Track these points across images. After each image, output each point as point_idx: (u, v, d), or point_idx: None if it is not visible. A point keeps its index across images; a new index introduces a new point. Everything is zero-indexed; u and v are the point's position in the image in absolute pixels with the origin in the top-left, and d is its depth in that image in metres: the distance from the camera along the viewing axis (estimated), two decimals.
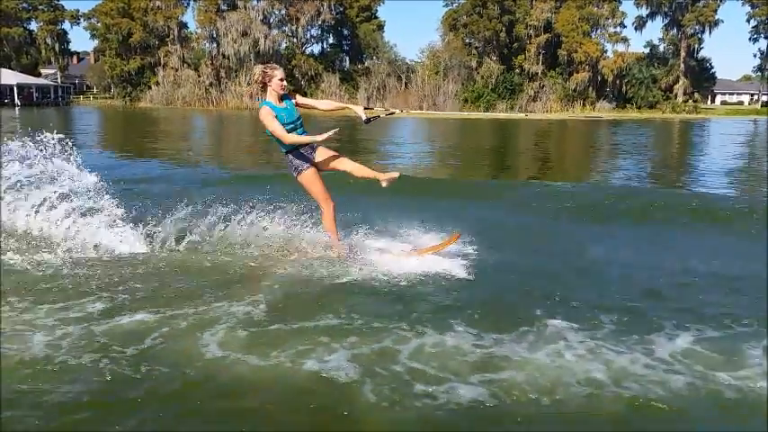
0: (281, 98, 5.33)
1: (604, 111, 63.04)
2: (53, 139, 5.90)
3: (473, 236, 5.86)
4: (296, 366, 3.26)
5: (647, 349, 3.70)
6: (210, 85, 66.23)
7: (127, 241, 5.63)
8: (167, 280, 4.72)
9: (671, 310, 4.41)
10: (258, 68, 5.38)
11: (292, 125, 5.34)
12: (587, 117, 57.86)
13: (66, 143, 5.97)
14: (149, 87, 70.38)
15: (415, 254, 5.54)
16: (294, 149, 5.42)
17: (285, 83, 5.34)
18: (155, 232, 5.78)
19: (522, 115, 59.88)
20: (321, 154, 5.53)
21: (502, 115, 60.38)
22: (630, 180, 13.61)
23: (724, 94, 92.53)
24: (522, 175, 15.10)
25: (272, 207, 5.91)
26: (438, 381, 3.21)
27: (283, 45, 68.65)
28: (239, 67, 63.94)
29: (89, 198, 5.80)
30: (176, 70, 67.88)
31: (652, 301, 4.64)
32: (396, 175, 5.62)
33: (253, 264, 5.28)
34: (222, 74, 67.15)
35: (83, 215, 5.70)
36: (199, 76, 66.64)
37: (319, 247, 5.59)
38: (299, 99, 5.53)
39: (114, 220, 5.73)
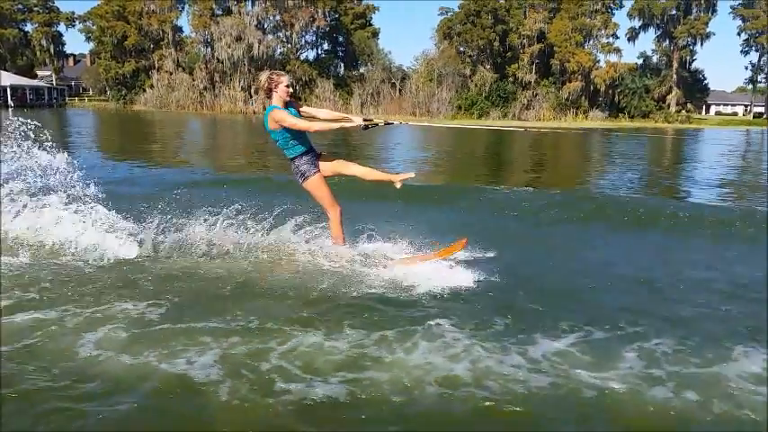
0: (286, 105, 5.31)
1: (597, 120, 63.35)
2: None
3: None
4: (162, 366, 3.38)
5: (522, 349, 3.77)
6: (205, 88, 66.48)
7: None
8: (81, 278, 4.83)
9: (569, 310, 4.49)
10: (264, 74, 5.36)
11: (299, 132, 5.31)
12: (568, 128, 58.17)
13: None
14: (144, 90, 70.60)
15: (419, 260, 5.44)
16: (299, 156, 5.37)
17: (291, 89, 5.31)
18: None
19: (514, 124, 60.16)
20: (326, 160, 5.52)
21: (497, 124, 60.51)
22: (606, 188, 13.66)
23: (719, 104, 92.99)
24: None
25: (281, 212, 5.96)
26: (300, 379, 3.33)
27: (278, 50, 68.91)
28: (233, 72, 64.18)
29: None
30: (171, 74, 68.11)
31: (551, 301, 4.72)
32: (411, 174, 5.62)
33: (202, 263, 5.37)
34: (216, 78, 67.36)
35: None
36: (193, 80, 66.85)
37: (324, 252, 5.51)
38: (302, 108, 5.49)
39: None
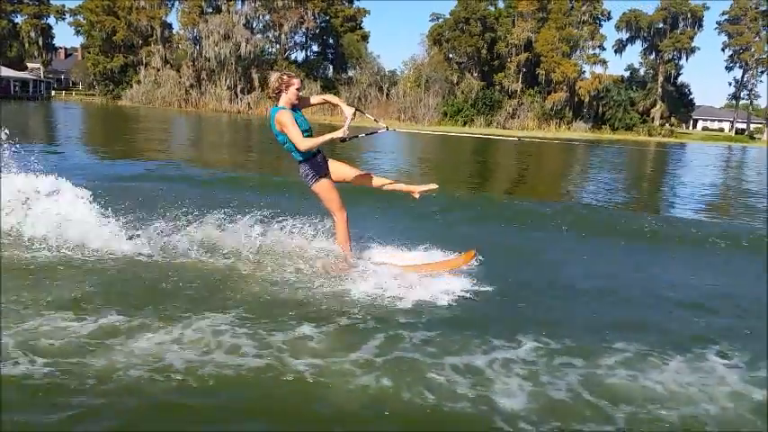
0: (293, 107, 5.27)
1: (579, 131, 64.24)
2: None
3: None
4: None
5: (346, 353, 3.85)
6: (191, 86, 67.01)
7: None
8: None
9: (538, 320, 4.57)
10: (275, 75, 5.29)
11: (308, 132, 5.30)
12: (553, 138, 58.97)
13: None
14: (131, 86, 71.13)
15: (423, 269, 5.36)
16: (308, 159, 5.31)
17: (301, 93, 5.27)
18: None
19: (507, 133, 60.89)
20: (336, 164, 5.49)
21: (480, 131, 61.21)
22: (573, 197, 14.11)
23: (706, 120, 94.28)
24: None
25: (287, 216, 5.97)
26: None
27: (266, 50, 69.55)
28: (220, 70, 64.78)
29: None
30: (158, 70, 68.64)
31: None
32: (433, 186, 5.46)
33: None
34: (204, 76, 67.94)
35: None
36: (180, 77, 67.40)
37: (330, 258, 5.50)
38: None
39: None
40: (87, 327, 3.97)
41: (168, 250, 5.65)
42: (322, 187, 5.35)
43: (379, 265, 5.34)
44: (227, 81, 64.86)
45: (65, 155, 15.64)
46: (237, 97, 64.97)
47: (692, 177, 22.63)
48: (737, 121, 76.27)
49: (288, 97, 5.21)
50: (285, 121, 5.11)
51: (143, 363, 3.53)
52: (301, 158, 5.30)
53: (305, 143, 5.13)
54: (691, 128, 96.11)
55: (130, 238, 5.78)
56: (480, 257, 5.53)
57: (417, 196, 5.52)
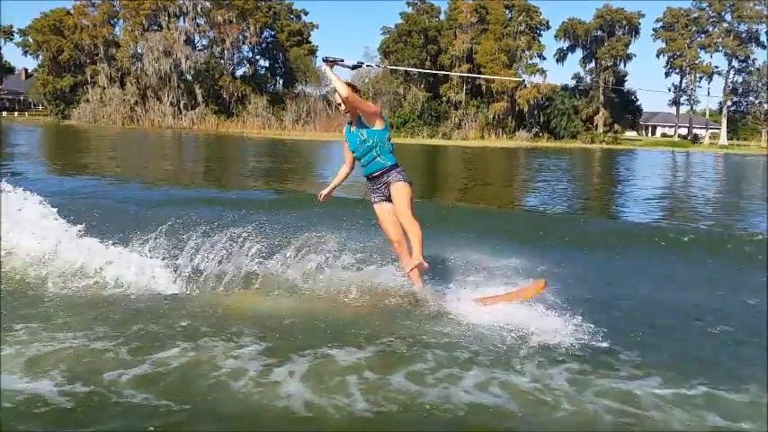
0: (357, 121, 5.62)
1: (520, 140, 68.76)
2: None
3: None
4: None
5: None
6: (136, 103, 71.36)
7: None
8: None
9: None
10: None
11: (356, 153, 5.70)
12: (480, 146, 63.53)
13: None
14: (80, 105, 75.45)
15: (485, 301, 5.59)
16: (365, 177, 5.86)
17: (345, 107, 5.53)
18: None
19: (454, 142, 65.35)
20: (393, 194, 5.67)
21: (428, 143, 65.42)
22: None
23: (664, 126, 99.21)
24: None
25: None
26: None
27: (212, 65, 73.81)
28: (162, 86, 69.19)
29: None
30: (103, 88, 73.00)
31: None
32: (425, 265, 5.49)
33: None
34: (149, 93, 72.30)
35: None
36: (124, 95, 71.72)
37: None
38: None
39: None
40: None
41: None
42: (375, 211, 5.89)
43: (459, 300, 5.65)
44: (170, 97, 69.17)
45: None
46: (181, 113, 69.25)
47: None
48: (679, 126, 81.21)
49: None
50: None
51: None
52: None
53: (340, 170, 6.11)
54: (650, 134, 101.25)
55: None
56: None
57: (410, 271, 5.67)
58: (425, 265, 5.44)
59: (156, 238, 6.51)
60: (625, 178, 27.84)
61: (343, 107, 5.55)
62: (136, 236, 6.57)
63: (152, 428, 3.46)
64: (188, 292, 5.92)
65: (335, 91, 5.45)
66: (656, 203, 17.46)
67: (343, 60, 5.66)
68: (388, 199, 5.65)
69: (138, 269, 6.13)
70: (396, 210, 5.56)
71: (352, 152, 5.71)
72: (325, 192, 6.09)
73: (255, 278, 6.17)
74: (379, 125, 5.57)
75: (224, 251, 6.33)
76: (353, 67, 6.10)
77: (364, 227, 7.59)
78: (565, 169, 31.51)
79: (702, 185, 25.07)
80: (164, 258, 6.38)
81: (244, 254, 6.30)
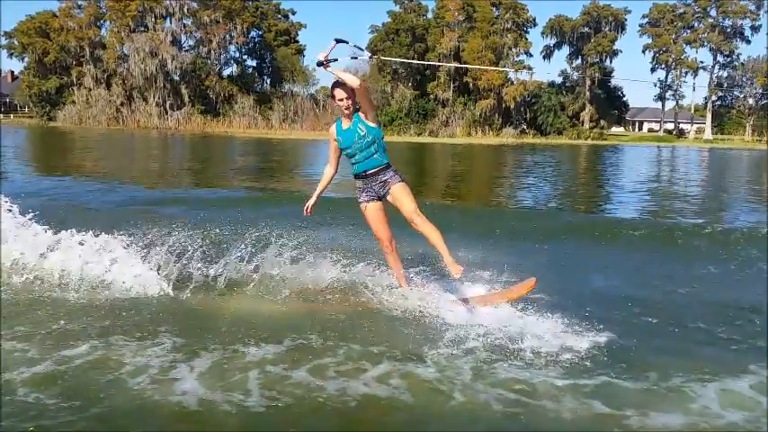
0: (351, 116, 5.51)
1: (507, 136, 68.90)
2: None
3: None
4: None
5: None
6: (122, 104, 71.07)
7: None
8: None
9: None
10: (330, 87, 5.53)
11: (350, 150, 5.55)
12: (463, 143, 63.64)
13: None
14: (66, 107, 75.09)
15: (483, 301, 5.59)
16: (354, 176, 5.69)
17: (348, 102, 5.37)
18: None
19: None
20: (392, 196, 5.61)
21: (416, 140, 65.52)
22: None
23: (651, 121, 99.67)
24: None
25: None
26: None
27: (198, 65, 73.55)
28: (148, 87, 68.93)
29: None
30: (89, 90, 72.65)
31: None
32: (459, 272, 5.35)
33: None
34: (135, 94, 72.00)
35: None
36: (110, 96, 71.40)
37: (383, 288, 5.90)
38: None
39: None
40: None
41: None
42: (363, 212, 5.72)
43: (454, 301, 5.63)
44: (156, 98, 68.92)
45: None
46: (167, 113, 69.01)
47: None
48: (665, 121, 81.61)
49: (340, 109, 5.53)
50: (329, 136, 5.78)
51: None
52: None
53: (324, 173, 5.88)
54: (637, 129, 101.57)
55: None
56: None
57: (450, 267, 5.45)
58: (461, 268, 5.37)
59: (96, 233, 6.43)
60: (601, 174, 28.01)
61: (344, 103, 5.39)
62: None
63: (32, 428, 3.48)
64: (116, 293, 5.91)
65: (336, 87, 5.35)
66: (615, 198, 17.69)
67: (336, 60, 5.46)
68: (379, 198, 5.62)
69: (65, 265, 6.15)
70: (406, 211, 5.48)
71: (346, 148, 5.55)
72: (311, 203, 5.82)
73: (190, 279, 6.13)
74: (374, 123, 5.55)
75: (146, 250, 6.33)
76: (353, 54, 5.88)
77: (310, 223, 7.52)
78: (544, 165, 31.64)
79: (672, 180, 25.22)
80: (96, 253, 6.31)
81: (168, 251, 6.26)
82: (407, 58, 75.14)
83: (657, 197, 17.88)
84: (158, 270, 6.14)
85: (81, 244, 6.32)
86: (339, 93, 5.35)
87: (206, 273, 6.27)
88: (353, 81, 5.24)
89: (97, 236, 6.41)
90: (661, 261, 8.24)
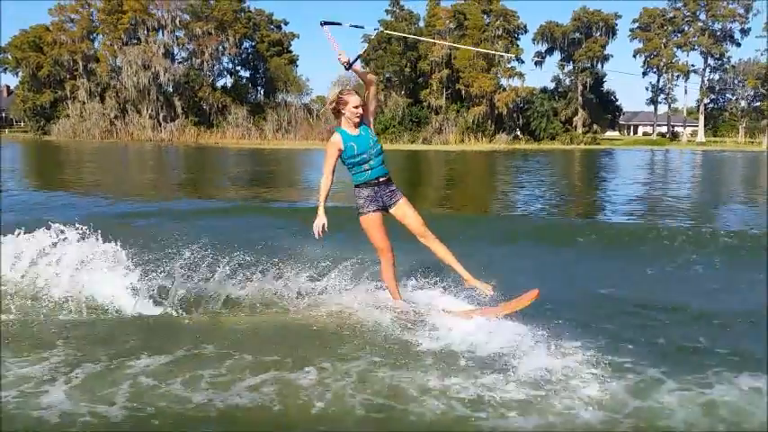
0: (358, 125, 5.31)
1: (500, 143, 69.01)
2: None
3: None
4: None
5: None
6: (115, 117, 71.32)
7: None
8: None
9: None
10: (333, 93, 5.36)
11: (365, 155, 5.31)
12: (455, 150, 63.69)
13: None
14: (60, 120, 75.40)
15: (479, 313, 5.31)
16: (357, 186, 5.44)
17: (361, 110, 5.22)
18: None
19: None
20: (399, 209, 5.49)
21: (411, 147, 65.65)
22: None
23: (645, 125, 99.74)
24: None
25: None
26: None
27: (192, 77, 73.90)
28: (141, 100, 69.21)
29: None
30: (83, 103, 72.96)
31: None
32: (489, 290, 5.30)
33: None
34: (128, 107, 72.31)
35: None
36: (104, 109, 71.70)
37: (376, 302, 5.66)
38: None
39: None
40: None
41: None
42: (364, 223, 5.45)
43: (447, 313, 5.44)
44: (150, 110, 69.18)
45: None
46: (161, 125, 69.25)
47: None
48: (657, 124, 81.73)
49: (347, 117, 5.29)
50: (327, 148, 5.35)
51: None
52: (353, 183, 5.47)
53: (322, 180, 5.41)
54: (631, 133, 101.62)
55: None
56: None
57: (468, 285, 5.44)
58: (490, 284, 5.35)
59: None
60: (589, 178, 28.11)
61: (359, 110, 5.24)
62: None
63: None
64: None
65: (351, 93, 5.26)
66: (596, 201, 17.69)
67: (340, 24, 5.50)
68: (385, 209, 5.45)
69: None
70: (416, 226, 5.42)
71: (358, 155, 5.30)
72: (321, 224, 5.33)
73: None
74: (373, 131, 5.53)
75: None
76: (355, 26, 5.83)
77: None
78: (531, 171, 31.70)
79: (657, 184, 25.32)
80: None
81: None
82: (400, 68, 75.61)
83: (625, 200, 17.98)
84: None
85: None
86: (355, 99, 5.23)
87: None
88: (371, 77, 5.28)
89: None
90: (595, 260, 8.35)
